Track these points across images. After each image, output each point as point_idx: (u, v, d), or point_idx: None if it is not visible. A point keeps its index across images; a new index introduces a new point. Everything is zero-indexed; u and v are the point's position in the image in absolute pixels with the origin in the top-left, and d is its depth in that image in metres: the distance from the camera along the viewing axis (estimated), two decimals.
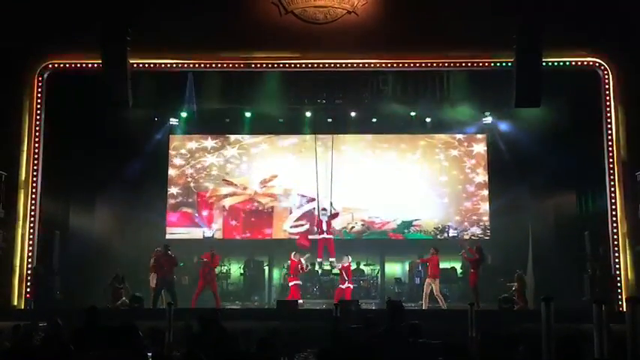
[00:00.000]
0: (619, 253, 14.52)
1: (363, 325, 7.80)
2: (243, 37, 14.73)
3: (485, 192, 18.26)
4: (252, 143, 18.74)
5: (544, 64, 14.13)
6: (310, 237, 17.46)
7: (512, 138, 17.27)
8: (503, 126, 17.56)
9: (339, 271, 16.39)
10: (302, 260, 15.88)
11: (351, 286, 15.95)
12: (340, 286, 15.74)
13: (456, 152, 18.53)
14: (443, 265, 15.98)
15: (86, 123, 15.53)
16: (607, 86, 14.95)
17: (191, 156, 18.70)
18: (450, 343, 5.51)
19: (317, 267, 17.52)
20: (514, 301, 14.31)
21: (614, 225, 14.66)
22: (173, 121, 18.02)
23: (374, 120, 17.91)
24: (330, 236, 16.58)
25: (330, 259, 16.50)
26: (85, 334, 7.17)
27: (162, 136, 18.19)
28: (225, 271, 17.75)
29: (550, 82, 14.05)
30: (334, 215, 17.00)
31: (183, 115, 17.79)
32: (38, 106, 15.07)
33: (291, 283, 15.76)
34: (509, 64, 14.44)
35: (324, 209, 17.06)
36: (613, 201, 14.72)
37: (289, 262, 16.07)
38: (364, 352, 5.69)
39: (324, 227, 16.53)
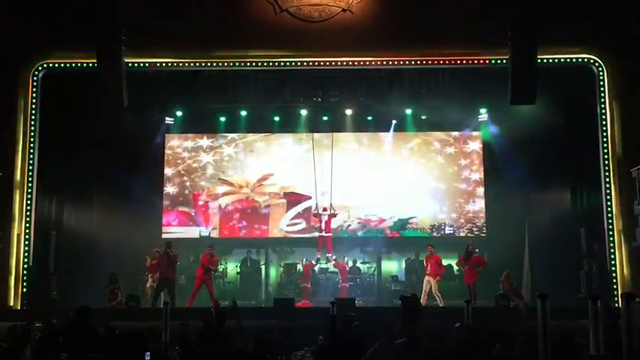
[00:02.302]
0: (614, 250, 14.57)
1: (344, 326, 7.61)
2: (238, 36, 14.73)
3: (481, 189, 18.27)
4: (247, 142, 18.72)
5: (539, 61, 14.18)
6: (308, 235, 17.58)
7: (507, 135, 17.27)
8: (499, 123, 17.56)
9: (336, 270, 16.82)
10: (313, 262, 16.63)
11: (347, 285, 16.32)
12: (343, 284, 16.33)
13: (451, 150, 18.54)
14: None
15: (81, 122, 15.51)
16: (602, 83, 15.01)
17: (187, 155, 18.68)
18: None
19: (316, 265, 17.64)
20: (510, 297, 14.34)
21: (610, 221, 14.71)
22: (168, 120, 17.98)
23: (369, 118, 17.91)
24: (329, 234, 16.82)
25: (327, 255, 16.72)
26: (76, 333, 7.18)
27: (158, 135, 18.14)
28: (221, 270, 17.74)
29: (545, 79, 14.09)
30: (334, 215, 17.22)
31: (179, 114, 17.78)
32: (33, 105, 15.06)
33: (303, 285, 16.41)
34: (505, 61, 14.48)
35: (325, 209, 17.22)
36: (608, 197, 14.78)
37: (302, 267, 16.81)
38: (360, 350, 5.69)
39: (323, 226, 16.81)
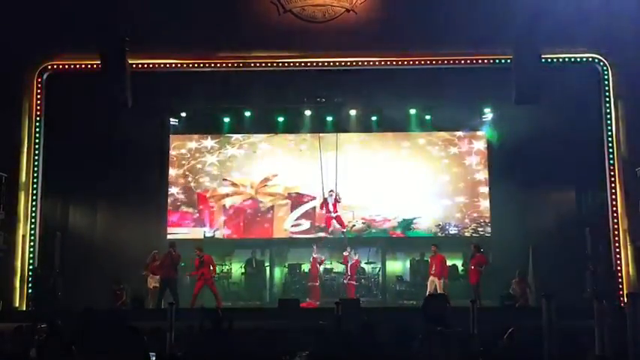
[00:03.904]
0: (620, 249, 14.53)
1: (359, 330, 7.56)
2: (242, 37, 14.75)
3: (486, 189, 18.22)
4: (251, 142, 18.71)
5: (543, 60, 14.14)
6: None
7: (512, 135, 17.23)
8: (503, 123, 17.51)
9: (341, 271, 16.98)
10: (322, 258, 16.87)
11: (354, 283, 16.45)
12: (350, 281, 16.51)
13: (456, 150, 18.50)
14: None
15: (86, 124, 15.54)
16: (606, 82, 14.98)
17: (191, 156, 18.67)
18: None
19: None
20: (515, 297, 14.33)
21: (615, 221, 14.67)
22: (173, 121, 18.01)
23: (374, 118, 17.90)
24: (337, 213, 17.43)
25: (342, 230, 17.40)
26: (84, 335, 7.17)
27: (162, 136, 18.17)
28: (226, 270, 17.76)
29: (549, 78, 14.06)
30: (338, 200, 17.66)
31: (183, 114, 17.81)
32: (38, 107, 15.11)
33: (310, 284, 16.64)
34: (509, 60, 14.45)
35: (332, 191, 17.66)
36: (613, 197, 14.74)
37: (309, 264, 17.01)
38: (365, 351, 5.67)
39: (331, 208, 17.43)
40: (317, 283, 16.44)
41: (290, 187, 18.53)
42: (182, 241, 16.88)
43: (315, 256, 16.86)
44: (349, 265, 16.78)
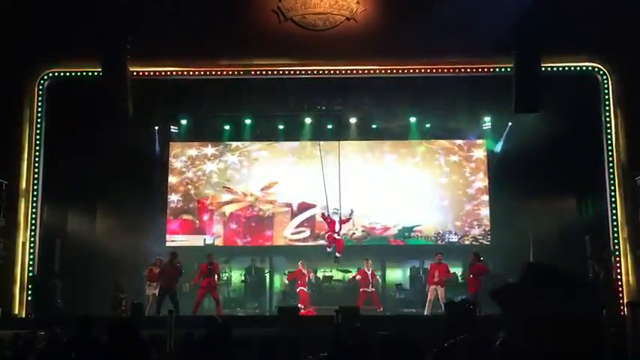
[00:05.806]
0: (620, 258, 14.52)
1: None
2: (243, 45, 14.78)
3: (486, 197, 18.24)
4: (252, 150, 18.74)
5: (543, 69, 14.18)
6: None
7: (511, 143, 17.26)
8: (503, 131, 17.54)
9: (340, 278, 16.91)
10: (302, 268, 16.21)
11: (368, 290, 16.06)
12: (365, 289, 15.95)
13: (455, 158, 18.52)
14: None
15: (86, 131, 15.55)
16: (606, 91, 15.00)
17: (191, 163, 18.69)
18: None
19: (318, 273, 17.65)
20: None
21: (615, 229, 14.66)
22: (173, 128, 18.04)
23: (374, 126, 17.92)
24: (339, 237, 16.59)
25: (336, 255, 16.45)
26: (80, 343, 7.16)
27: (162, 143, 18.19)
28: (226, 278, 17.73)
29: (549, 87, 14.09)
30: (346, 220, 16.85)
31: (184, 122, 17.84)
32: (38, 114, 15.13)
33: (297, 289, 16.18)
34: (509, 69, 14.48)
35: (336, 209, 17.07)
36: (613, 205, 14.74)
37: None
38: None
39: (336, 228, 16.46)
40: (305, 288, 16.23)
41: (290, 195, 18.52)
42: (182, 249, 16.87)
43: (300, 263, 16.42)
44: (369, 272, 16.23)
